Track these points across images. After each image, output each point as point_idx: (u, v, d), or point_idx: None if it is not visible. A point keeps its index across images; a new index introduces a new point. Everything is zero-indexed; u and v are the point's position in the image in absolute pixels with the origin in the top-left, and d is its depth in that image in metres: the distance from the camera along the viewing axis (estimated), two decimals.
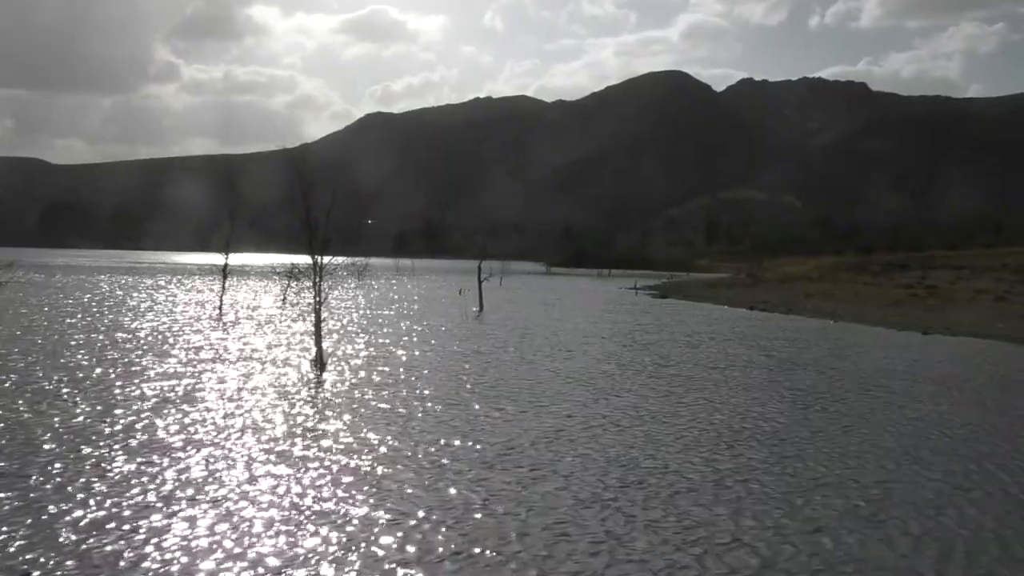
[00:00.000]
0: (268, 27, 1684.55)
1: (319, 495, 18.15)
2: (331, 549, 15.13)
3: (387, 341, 49.49)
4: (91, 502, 17.02)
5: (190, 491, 18.01)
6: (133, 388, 30.24)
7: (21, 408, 25.92)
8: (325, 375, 35.18)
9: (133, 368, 35.11)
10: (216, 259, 74.20)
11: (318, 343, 38.64)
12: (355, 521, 16.58)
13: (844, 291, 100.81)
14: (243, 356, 40.48)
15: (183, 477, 19.09)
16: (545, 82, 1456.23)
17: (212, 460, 20.68)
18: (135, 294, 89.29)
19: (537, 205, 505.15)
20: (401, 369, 37.81)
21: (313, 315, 39.63)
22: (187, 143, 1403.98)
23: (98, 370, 34.11)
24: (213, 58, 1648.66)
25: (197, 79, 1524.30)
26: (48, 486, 17.97)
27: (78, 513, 16.35)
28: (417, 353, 44.29)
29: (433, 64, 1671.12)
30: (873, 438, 25.91)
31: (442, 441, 23.58)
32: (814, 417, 29.35)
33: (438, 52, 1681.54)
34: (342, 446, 22.68)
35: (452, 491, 18.70)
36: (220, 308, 68.77)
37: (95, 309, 66.84)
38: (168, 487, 18.27)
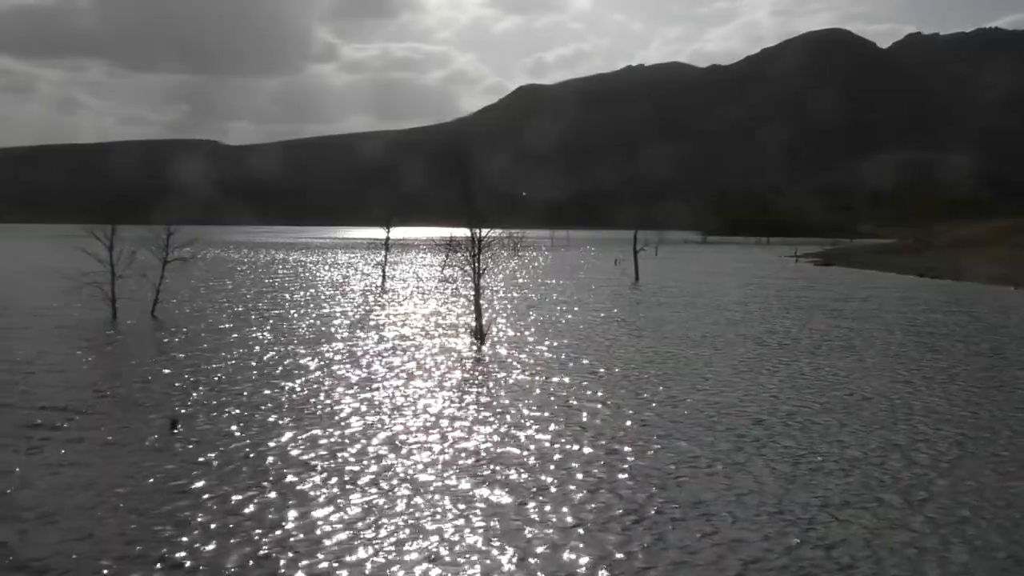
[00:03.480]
0: (422, 3, 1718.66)
1: (484, 466, 18.63)
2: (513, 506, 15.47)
3: (544, 313, 49.91)
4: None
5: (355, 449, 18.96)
6: (316, 357, 31.97)
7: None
8: (485, 348, 35.72)
9: (318, 337, 37.09)
10: (378, 233, 76.74)
11: (477, 315, 39.31)
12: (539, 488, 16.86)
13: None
14: (406, 328, 41.87)
15: (357, 437, 20.01)
16: (698, 47, 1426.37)
17: (379, 432, 21.56)
18: (312, 269, 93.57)
19: (691, 173, 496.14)
20: (560, 342, 37.93)
21: (472, 287, 40.55)
22: (347, 121, 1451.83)
23: (298, 342, 36.18)
24: (370, 36, 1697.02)
25: (355, 58, 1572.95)
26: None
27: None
28: (573, 325, 44.49)
29: (584, 34, 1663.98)
30: None
31: (605, 419, 23.71)
32: None
33: (588, 21, 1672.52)
34: (510, 419, 23.01)
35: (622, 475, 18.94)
36: (383, 281, 71.11)
37: (284, 284, 70.40)
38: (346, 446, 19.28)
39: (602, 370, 30.58)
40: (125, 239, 44.29)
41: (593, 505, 15.94)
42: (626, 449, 19.76)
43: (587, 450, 19.61)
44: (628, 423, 22.40)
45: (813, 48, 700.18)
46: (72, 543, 13.86)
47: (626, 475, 17.79)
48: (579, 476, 17.65)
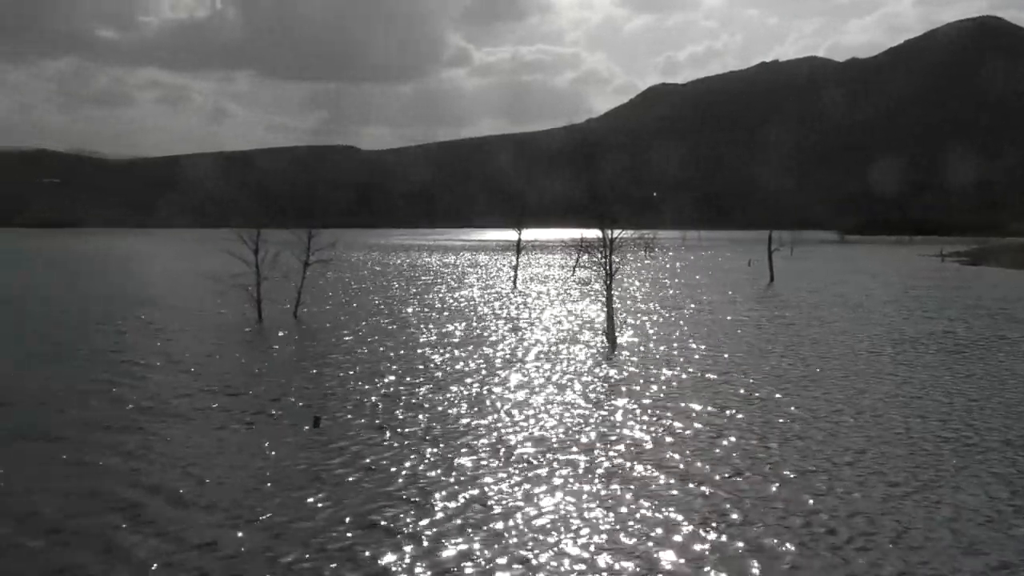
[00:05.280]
0: (552, 5, 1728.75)
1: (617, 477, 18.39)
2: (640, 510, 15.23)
3: (677, 316, 48.98)
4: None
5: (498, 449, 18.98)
6: (455, 360, 32.48)
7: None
8: (617, 351, 35.08)
9: (455, 340, 37.73)
10: (510, 235, 77.50)
11: (609, 318, 38.84)
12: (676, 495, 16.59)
13: None
14: (544, 330, 41.88)
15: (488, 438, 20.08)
16: (836, 40, 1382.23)
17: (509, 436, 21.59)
18: (445, 271, 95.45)
19: (828, 170, 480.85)
20: (694, 346, 36.94)
21: (603, 288, 40.25)
22: (479, 123, 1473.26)
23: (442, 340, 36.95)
24: (500, 39, 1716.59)
25: (486, 61, 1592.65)
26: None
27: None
28: (707, 329, 43.48)
29: (716, 31, 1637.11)
30: None
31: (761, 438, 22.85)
32: None
33: (721, 18, 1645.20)
34: (642, 434, 22.61)
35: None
36: (515, 282, 71.60)
37: (419, 286, 72.01)
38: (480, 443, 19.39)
39: (772, 373, 29.47)
40: (269, 241, 46.03)
41: (786, 527, 14.97)
42: (819, 466, 18.38)
43: (777, 465, 18.46)
44: (815, 435, 21.02)
45: (961, 38, 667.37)
46: (244, 534, 14.41)
47: (823, 496, 16.50)
48: (771, 492, 16.70)
